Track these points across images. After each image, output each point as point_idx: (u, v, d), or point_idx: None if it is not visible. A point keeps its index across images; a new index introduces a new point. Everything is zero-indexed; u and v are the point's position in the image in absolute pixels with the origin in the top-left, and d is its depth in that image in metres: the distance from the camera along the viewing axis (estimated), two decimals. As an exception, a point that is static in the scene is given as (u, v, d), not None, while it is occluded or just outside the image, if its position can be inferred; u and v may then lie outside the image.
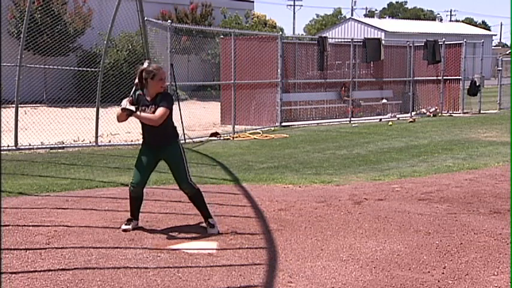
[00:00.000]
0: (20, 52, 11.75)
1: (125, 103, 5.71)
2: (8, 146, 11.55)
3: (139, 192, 5.92)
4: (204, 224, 5.99)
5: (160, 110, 5.67)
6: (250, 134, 15.16)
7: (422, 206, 7.08)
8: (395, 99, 21.08)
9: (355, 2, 75.46)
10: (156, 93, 5.73)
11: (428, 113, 20.85)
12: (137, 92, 5.83)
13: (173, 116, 5.94)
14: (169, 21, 14.63)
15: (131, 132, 13.61)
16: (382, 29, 50.18)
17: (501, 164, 10.22)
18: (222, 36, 18.83)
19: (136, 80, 5.77)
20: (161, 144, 5.85)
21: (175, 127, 6.00)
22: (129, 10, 12.68)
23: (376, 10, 64.45)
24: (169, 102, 5.75)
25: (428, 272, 4.82)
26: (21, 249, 5.27)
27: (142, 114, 5.71)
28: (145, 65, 5.80)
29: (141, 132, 6.00)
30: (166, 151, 5.85)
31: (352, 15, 70.89)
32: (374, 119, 19.45)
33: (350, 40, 20.40)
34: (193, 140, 13.52)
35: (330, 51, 19.25)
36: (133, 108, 5.70)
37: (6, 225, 5.98)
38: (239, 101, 16.41)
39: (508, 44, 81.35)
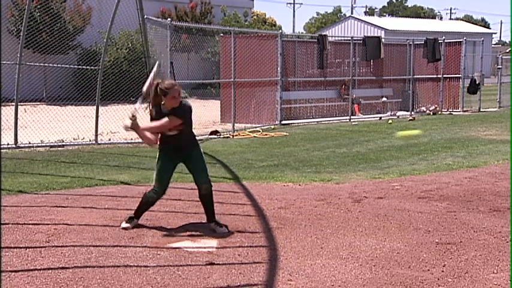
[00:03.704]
0: (19, 50, 11.73)
1: (138, 105, 5.63)
2: (8, 144, 11.54)
3: (157, 199, 5.94)
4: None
5: (170, 117, 5.64)
6: (250, 132, 15.16)
7: (422, 204, 7.08)
8: (395, 98, 21.09)
9: (355, 0, 75.37)
10: (172, 107, 5.66)
11: (428, 111, 20.84)
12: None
13: None
14: (169, 19, 14.61)
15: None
16: (382, 27, 50.16)
17: (501, 162, 10.22)
18: (221, 35, 18.82)
19: (151, 94, 5.69)
20: (184, 151, 5.84)
21: (195, 136, 5.99)
22: (128, 8, 12.67)
23: (376, 8, 64.31)
24: (182, 112, 5.69)
25: (428, 270, 4.82)
26: (21, 248, 5.27)
27: (151, 123, 5.68)
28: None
29: (161, 141, 5.90)
30: (188, 155, 5.86)
31: (352, 13, 70.78)
32: (374, 117, 19.44)
33: (350, 38, 20.42)
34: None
35: (330, 49, 19.24)
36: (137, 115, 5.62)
37: (6, 224, 5.98)
38: (239, 99, 16.40)
39: (508, 42, 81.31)
